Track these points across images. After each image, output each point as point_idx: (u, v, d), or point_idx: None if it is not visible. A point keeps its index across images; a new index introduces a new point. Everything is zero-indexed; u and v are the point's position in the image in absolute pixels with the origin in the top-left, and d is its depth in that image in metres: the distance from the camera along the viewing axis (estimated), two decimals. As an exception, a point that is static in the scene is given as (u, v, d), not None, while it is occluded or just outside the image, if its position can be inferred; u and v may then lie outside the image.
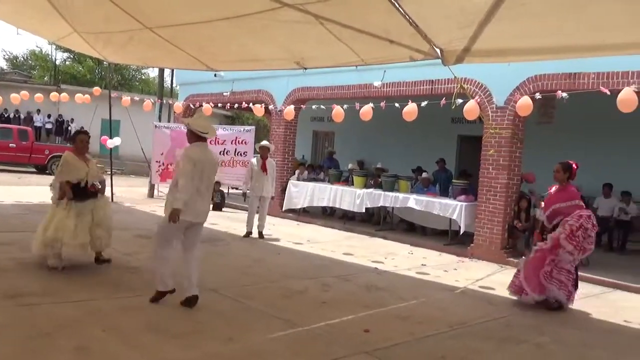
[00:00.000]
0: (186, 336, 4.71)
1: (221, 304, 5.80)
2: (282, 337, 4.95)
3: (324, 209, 13.77)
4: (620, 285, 8.12)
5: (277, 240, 10.30)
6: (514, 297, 6.87)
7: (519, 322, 6.11)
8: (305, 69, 8.18)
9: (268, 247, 9.54)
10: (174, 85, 24.70)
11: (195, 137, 5.59)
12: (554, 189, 6.76)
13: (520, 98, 8.47)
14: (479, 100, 9.26)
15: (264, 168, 10.28)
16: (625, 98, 6.52)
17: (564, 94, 7.78)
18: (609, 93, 7.11)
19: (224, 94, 15.04)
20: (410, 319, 5.82)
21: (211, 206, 9.06)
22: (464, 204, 10.18)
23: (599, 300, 7.40)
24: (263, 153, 10.40)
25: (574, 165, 6.68)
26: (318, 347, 4.82)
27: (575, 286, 6.67)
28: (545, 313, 6.45)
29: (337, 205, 12.61)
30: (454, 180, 11.44)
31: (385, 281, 7.58)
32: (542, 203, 6.90)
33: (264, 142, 10.72)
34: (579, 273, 6.96)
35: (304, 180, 13.62)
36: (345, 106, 10.06)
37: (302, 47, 7.65)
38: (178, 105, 16.12)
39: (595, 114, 10.66)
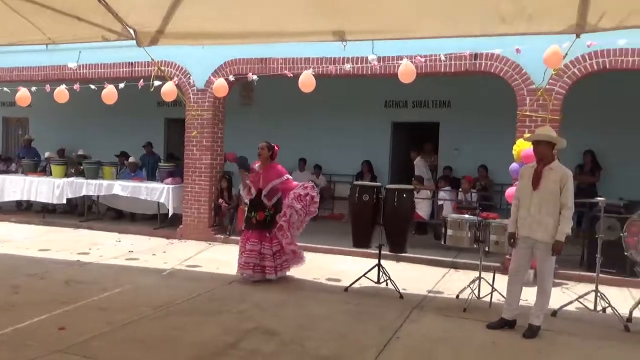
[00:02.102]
0: None
1: None
2: (-46, 353, 4.34)
3: (19, 203, 12.39)
4: (311, 247, 9.03)
5: (-42, 243, 8.93)
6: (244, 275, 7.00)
7: (222, 294, 6.40)
8: (-20, 46, 7.16)
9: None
10: None
11: None
12: (257, 165, 7.11)
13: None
14: (178, 82, 9.30)
15: None
16: (305, 80, 7.25)
17: (255, 77, 8.30)
18: (291, 76, 7.82)
19: None
20: (111, 309, 5.63)
21: None
22: (171, 186, 10.20)
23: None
24: None
25: (275, 147, 7.11)
26: (2, 356, 4.33)
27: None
28: (249, 283, 6.86)
29: (32, 198, 11.46)
30: (160, 164, 11.34)
31: (88, 273, 7.19)
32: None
33: None
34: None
35: (-9, 173, 12.02)
36: (34, 89, 9.11)
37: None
38: None
39: (289, 96, 11.61)
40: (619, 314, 5.67)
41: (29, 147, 13.59)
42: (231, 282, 6.92)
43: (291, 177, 7.22)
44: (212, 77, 9.52)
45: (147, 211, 11.02)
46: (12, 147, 16.27)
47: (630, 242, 5.61)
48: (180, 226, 10.10)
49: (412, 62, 6.91)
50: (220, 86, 8.31)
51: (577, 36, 5.29)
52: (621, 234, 5.91)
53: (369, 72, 8.32)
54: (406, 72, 6.82)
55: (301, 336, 5.02)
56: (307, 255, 8.68)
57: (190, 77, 9.88)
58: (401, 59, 7.07)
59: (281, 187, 6.99)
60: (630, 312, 5.79)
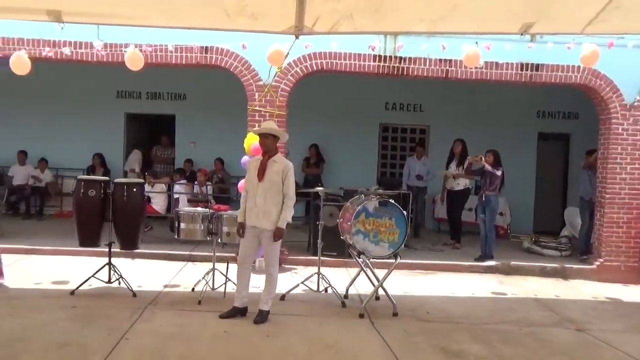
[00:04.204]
0: None
1: None
2: None
3: None
4: (35, 250, 8.20)
5: None
6: None
7: None
8: None
9: None
10: None
11: None
12: None
13: None
14: None
15: None
16: (16, 61, 6.53)
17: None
18: (1, 56, 6.94)
19: None
20: None
21: None
22: None
23: (11, 269, 7.26)
24: None
25: None
26: None
27: None
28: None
29: None
30: None
31: None
32: None
33: None
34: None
35: None
36: None
37: None
38: None
39: (3, 81, 10.28)
40: (337, 292, 6.30)
41: None
42: None
43: None
44: None
45: None
46: None
47: (344, 227, 6.25)
48: None
49: (140, 50, 6.66)
50: None
51: (296, 37, 5.67)
52: (337, 220, 6.55)
53: (94, 59, 7.76)
54: (133, 58, 6.56)
55: (14, 351, 4.46)
56: (29, 258, 7.89)
57: None
58: (128, 46, 6.76)
59: None
60: (347, 290, 6.49)
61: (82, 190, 6.06)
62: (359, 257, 6.22)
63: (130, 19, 5.89)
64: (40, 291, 6.34)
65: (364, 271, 6.43)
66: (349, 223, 5.99)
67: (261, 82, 7.97)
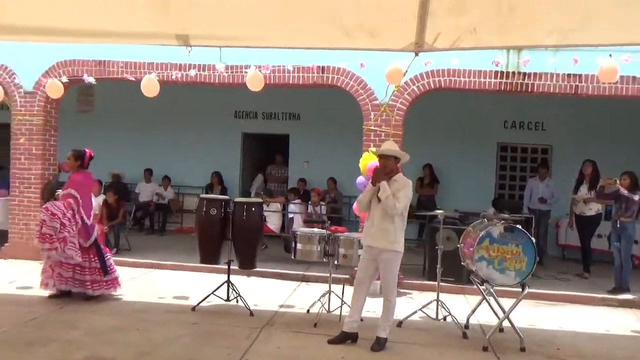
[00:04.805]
0: None
1: None
2: None
3: None
4: (158, 264, 8.56)
5: None
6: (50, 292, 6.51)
7: (53, 320, 5.73)
8: None
9: None
10: None
11: None
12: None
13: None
14: (1, 81, 8.33)
15: None
16: (147, 84, 6.86)
17: (92, 79, 7.66)
18: (133, 80, 7.38)
19: None
20: None
21: None
22: (-6, 199, 9.09)
23: (137, 282, 7.63)
24: None
25: (87, 153, 6.66)
26: None
27: (105, 272, 6.54)
28: (82, 305, 6.24)
29: None
30: (-18, 174, 10.10)
31: None
32: None
33: None
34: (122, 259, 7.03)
35: None
36: None
37: None
38: None
39: (133, 103, 10.97)
40: (457, 321, 5.96)
41: None
42: (62, 306, 6.23)
43: (74, 192, 6.41)
44: (42, 79, 8.63)
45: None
46: None
47: (466, 253, 5.92)
48: (6, 244, 9.01)
49: (260, 71, 6.79)
50: (53, 87, 7.60)
51: (416, 54, 5.49)
52: (458, 245, 6.23)
53: (217, 81, 8.06)
54: (254, 79, 6.69)
55: (142, 365, 4.61)
56: (152, 272, 8.25)
57: (16, 78, 8.86)
58: (248, 68, 6.92)
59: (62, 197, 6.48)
60: (467, 319, 6.11)
61: (204, 209, 6.22)
62: (482, 285, 5.86)
63: (252, 40, 5.99)
64: (164, 306, 6.55)
65: (487, 300, 6.04)
66: (471, 249, 5.65)
67: (377, 101, 7.86)
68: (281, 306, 6.67)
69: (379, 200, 5.20)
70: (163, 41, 6.01)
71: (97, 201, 9.37)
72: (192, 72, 7.69)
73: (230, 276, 6.49)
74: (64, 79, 7.92)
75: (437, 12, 4.67)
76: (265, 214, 9.47)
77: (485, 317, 6.22)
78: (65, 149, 8.54)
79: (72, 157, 6.59)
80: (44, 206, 6.38)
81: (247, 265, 6.46)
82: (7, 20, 5.57)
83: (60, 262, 6.29)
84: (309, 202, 10.23)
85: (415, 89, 7.81)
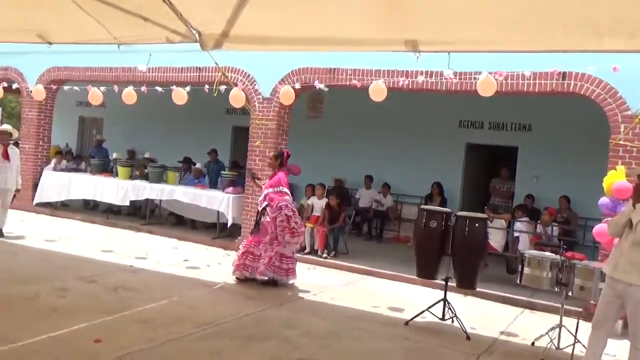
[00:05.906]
0: None
1: None
2: (-16, 359, 4.11)
3: (86, 202, 12.51)
4: (374, 272, 8.53)
5: (21, 238, 9.00)
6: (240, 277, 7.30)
7: (272, 316, 5.99)
8: (51, 44, 7.21)
9: (4, 247, 8.24)
10: None
11: None
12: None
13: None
14: (244, 88, 9.06)
15: (5, 155, 8.93)
16: (375, 88, 6.80)
17: (323, 86, 7.89)
18: (360, 86, 7.47)
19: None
20: (154, 322, 5.31)
21: None
22: (232, 195, 9.94)
23: (353, 287, 7.68)
24: (2, 139, 9.01)
25: (285, 153, 7.45)
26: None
27: None
28: (300, 304, 6.44)
29: (98, 198, 11.52)
30: (223, 172, 11.16)
31: (138, 280, 6.97)
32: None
33: (4, 126, 9.36)
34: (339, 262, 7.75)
35: (61, 170, 12.22)
36: (103, 88, 9.11)
37: (41, 18, 6.64)
38: None
39: (357, 110, 11.20)
40: None
41: (99, 148, 13.78)
42: (282, 303, 6.49)
43: (286, 190, 7.34)
44: (278, 86, 9.21)
45: (207, 219, 10.82)
46: (86, 146, 16.65)
47: None
48: (239, 237, 9.80)
49: (493, 76, 6.28)
50: (287, 93, 8.00)
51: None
52: None
53: (444, 88, 7.74)
54: (486, 84, 6.20)
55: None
56: (367, 279, 8.24)
57: (256, 85, 9.61)
58: (479, 74, 6.46)
59: (274, 197, 7.19)
60: None
61: (424, 221, 5.96)
62: None
63: (485, 45, 5.58)
64: (377, 315, 6.43)
65: None
66: None
67: (629, 112, 6.81)
68: (502, 333, 6.11)
69: (631, 225, 4.40)
70: (392, 47, 5.90)
71: (319, 204, 9.76)
72: (420, 79, 7.48)
73: (447, 293, 6.13)
74: (297, 85, 8.29)
75: None
76: (488, 230, 8.89)
77: None
78: (292, 153, 8.96)
79: (273, 157, 7.51)
80: (283, 204, 7.10)
81: (466, 284, 6.04)
82: (251, 32, 5.98)
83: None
84: (538, 222, 9.31)
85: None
